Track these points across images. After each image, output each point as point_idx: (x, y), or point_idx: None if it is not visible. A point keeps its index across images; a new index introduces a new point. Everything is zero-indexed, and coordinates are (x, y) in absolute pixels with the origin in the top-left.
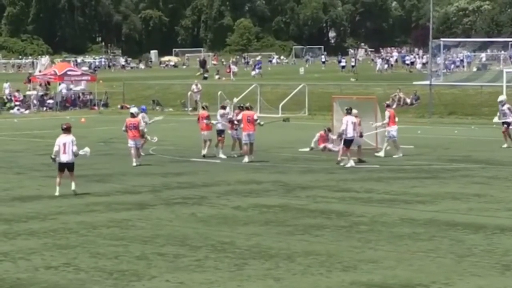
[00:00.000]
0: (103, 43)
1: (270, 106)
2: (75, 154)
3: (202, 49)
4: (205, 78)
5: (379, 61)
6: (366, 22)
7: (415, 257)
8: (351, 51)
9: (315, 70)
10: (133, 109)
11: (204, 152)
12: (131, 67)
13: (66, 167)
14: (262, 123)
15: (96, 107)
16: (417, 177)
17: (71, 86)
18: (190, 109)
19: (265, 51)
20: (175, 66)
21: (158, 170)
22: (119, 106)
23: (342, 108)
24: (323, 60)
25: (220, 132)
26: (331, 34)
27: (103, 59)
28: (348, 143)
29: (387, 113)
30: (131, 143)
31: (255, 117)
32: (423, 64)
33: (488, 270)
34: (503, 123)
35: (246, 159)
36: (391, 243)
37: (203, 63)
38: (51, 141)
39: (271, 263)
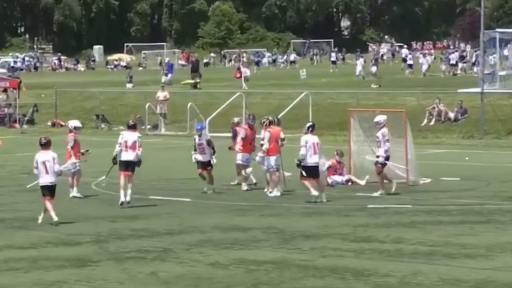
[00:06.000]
0: (27, 36)
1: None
2: (59, 174)
3: (164, 44)
4: (196, 86)
5: (358, 62)
6: (392, 7)
7: None
8: (372, 46)
9: (322, 73)
10: (72, 122)
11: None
12: (66, 69)
13: (49, 191)
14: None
15: (17, 125)
16: (464, 221)
17: None
18: (149, 127)
19: (253, 47)
20: (127, 67)
21: (104, 212)
22: (49, 123)
23: (362, 126)
24: (333, 59)
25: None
26: (344, 23)
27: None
28: (307, 171)
29: (267, 135)
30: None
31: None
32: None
33: None
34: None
35: (271, 190)
36: None
37: (195, 65)
38: None
39: None
